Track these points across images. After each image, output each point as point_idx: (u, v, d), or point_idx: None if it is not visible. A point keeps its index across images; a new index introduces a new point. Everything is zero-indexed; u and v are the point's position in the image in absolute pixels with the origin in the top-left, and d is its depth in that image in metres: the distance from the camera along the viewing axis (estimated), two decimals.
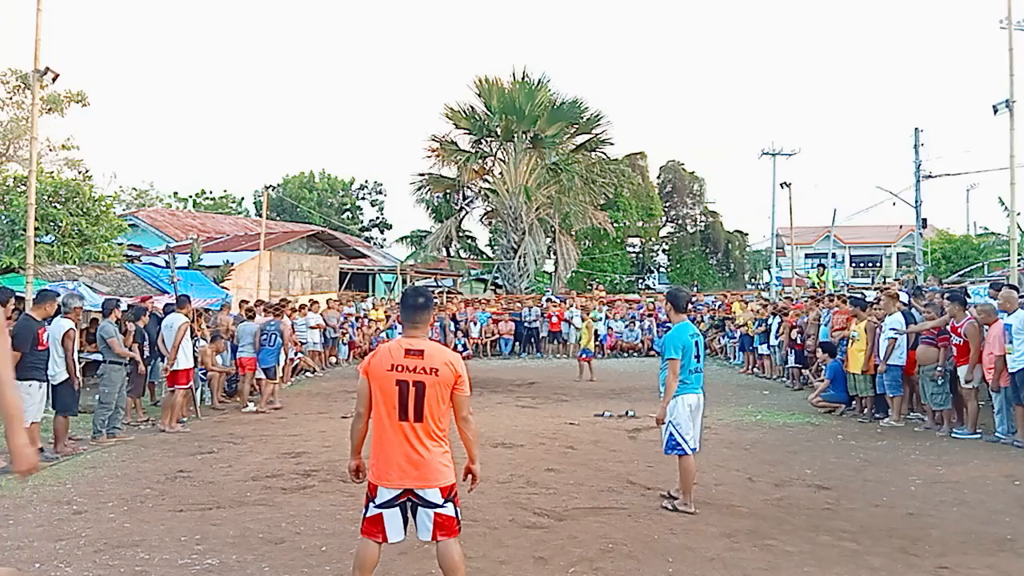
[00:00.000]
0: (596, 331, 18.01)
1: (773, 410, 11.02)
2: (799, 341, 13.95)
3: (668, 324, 6.12)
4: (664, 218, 44.80)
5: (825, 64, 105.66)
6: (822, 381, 11.12)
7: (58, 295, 8.37)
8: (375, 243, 46.91)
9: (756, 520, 5.43)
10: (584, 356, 15.64)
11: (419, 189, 30.07)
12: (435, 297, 4.25)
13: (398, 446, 3.49)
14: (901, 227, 36.96)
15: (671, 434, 5.62)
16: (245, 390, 11.67)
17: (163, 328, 9.91)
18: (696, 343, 5.72)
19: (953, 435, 8.64)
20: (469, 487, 3.80)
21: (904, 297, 10.66)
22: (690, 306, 8.23)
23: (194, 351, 10.37)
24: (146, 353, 10.01)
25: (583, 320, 16.86)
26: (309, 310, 16.81)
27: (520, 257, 27.77)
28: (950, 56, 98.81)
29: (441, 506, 3.51)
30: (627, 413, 10.57)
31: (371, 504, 3.55)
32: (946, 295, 9.37)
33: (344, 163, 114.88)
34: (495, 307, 23.34)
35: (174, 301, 10.64)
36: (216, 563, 4.55)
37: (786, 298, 18.34)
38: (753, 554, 4.70)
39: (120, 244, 17.28)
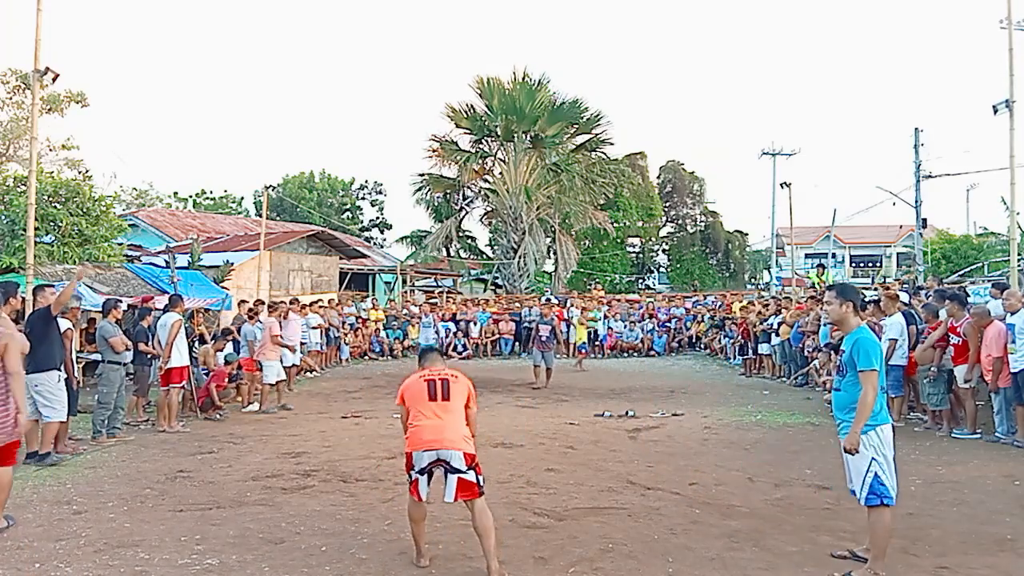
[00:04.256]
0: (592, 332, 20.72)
1: (773, 410, 11.01)
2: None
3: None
4: (664, 218, 44.75)
5: (825, 64, 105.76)
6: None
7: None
8: (375, 243, 46.84)
9: (756, 520, 5.43)
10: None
11: (419, 189, 30.03)
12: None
13: (428, 420, 4.45)
14: (901, 227, 36.97)
15: (876, 475, 4.24)
16: (244, 390, 11.67)
17: (158, 328, 9.92)
18: None
19: (953, 435, 8.63)
20: None
21: (904, 297, 10.65)
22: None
23: (192, 351, 10.36)
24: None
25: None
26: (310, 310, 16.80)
27: (520, 257, 27.75)
28: (950, 56, 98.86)
29: (464, 472, 4.34)
30: (627, 413, 10.58)
31: (412, 472, 4.46)
32: (945, 295, 9.35)
33: (344, 163, 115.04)
34: (495, 307, 23.34)
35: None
36: (216, 563, 4.56)
37: (785, 298, 18.31)
38: (753, 554, 4.70)
39: (120, 244, 17.25)
